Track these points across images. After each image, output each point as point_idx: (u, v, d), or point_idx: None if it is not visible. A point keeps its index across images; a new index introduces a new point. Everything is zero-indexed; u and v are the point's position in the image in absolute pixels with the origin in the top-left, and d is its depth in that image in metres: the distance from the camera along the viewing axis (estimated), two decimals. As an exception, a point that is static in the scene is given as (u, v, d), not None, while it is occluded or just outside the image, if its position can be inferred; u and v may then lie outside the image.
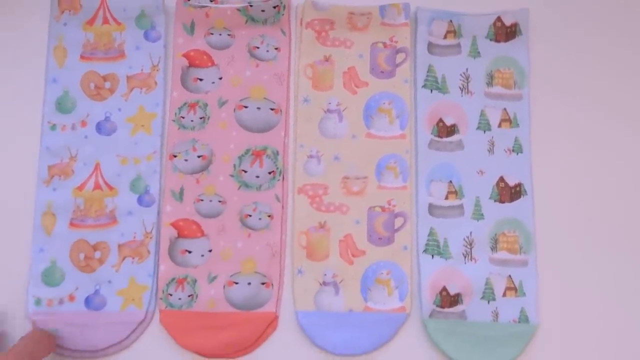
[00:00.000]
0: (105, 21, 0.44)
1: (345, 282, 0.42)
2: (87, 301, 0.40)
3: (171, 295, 0.41)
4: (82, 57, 0.44)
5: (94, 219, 0.42)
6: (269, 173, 0.43)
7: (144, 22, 0.45)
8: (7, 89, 0.44)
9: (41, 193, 0.42)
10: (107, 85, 0.44)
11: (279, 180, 0.43)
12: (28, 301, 0.40)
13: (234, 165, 0.43)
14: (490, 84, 0.45)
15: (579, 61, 0.45)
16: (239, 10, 0.44)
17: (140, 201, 0.42)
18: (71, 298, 0.41)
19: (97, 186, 0.42)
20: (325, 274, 0.42)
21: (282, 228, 0.42)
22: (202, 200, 0.42)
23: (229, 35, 0.45)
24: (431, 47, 0.46)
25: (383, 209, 0.43)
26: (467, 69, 0.45)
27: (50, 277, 0.41)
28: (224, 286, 0.41)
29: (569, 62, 0.45)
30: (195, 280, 0.41)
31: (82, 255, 0.41)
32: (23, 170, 0.42)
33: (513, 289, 0.42)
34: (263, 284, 0.41)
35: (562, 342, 0.41)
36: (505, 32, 0.46)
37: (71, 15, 0.44)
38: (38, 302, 0.40)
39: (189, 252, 0.41)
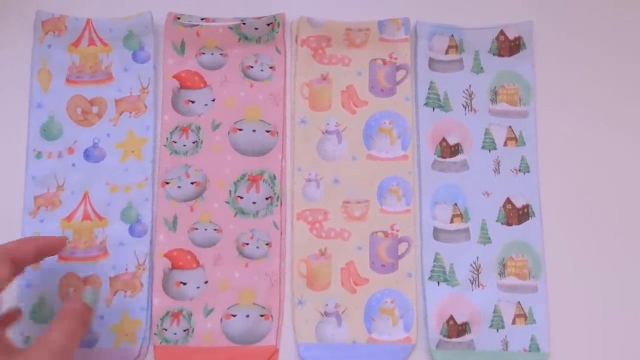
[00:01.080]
0: (92, 42, 0.43)
1: (348, 312, 0.41)
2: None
3: (166, 330, 0.40)
4: (67, 80, 0.43)
5: (84, 251, 0.40)
6: (266, 199, 0.42)
7: (132, 43, 0.43)
8: None
9: (28, 225, 0.40)
10: (95, 109, 0.43)
11: (276, 206, 0.42)
12: (15, 341, 0.39)
13: (230, 192, 0.42)
14: (494, 100, 0.44)
15: (586, 75, 0.44)
16: (231, 28, 0.43)
17: (131, 231, 0.41)
18: None
19: (86, 216, 0.41)
20: (327, 304, 0.41)
21: (281, 256, 0.41)
22: (196, 229, 0.41)
23: (221, 54, 0.43)
24: (432, 62, 0.45)
25: (386, 234, 0.42)
26: (470, 86, 0.44)
27: (38, 315, 0.39)
28: (221, 319, 0.40)
29: (576, 76, 0.44)
30: (191, 314, 0.40)
31: (71, 290, 0.40)
32: (7, 202, 0.41)
33: (523, 316, 0.41)
34: (262, 315, 0.40)
35: (575, 372, 0.41)
36: (508, 46, 0.45)
37: (56, 37, 0.43)
38: (27, 340, 0.39)
39: (184, 284, 0.40)
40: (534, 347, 0.40)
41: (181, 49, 0.44)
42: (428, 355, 0.40)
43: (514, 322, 0.41)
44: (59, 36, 0.43)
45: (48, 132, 0.42)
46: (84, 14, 0.44)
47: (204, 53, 0.44)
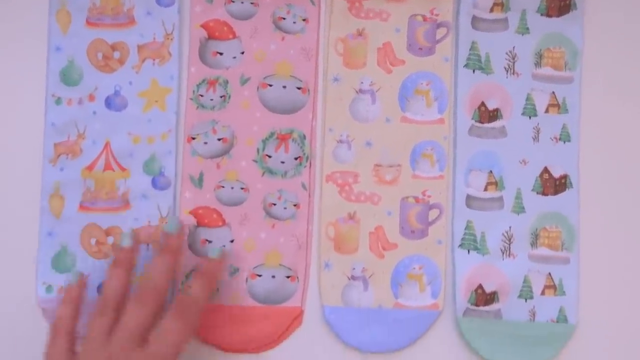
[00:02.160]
0: None
1: (375, 277, 0.41)
2: (100, 288, 0.39)
3: (190, 287, 0.41)
4: (88, 22, 0.41)
5: (106, 202, 0.40)
6: (295, 159, 0.41)
7: (156, -16, 0.42)
8: (6, 59, 0.41)
9: (48, 173, 0.40)
10: (116, 55, 0.41)
11: (305, 166, 0.41)
12: (37, 288, 0.39)
13: (258, 150, 0.41)
14: (538, 64, 0.43)
15: (638, 42, 0.43)
16: None
17: (154, 184, 0.40)
18: (83, 285, 0.40)
19: (107, 166, 0.40)
20: (354, 268, 0.41)
21: (308, 218, 0.41)
22: (223, 186, 0.40)
23: (251, 3, 0.41)
24: (475, 21, 0.43)
25: (417, 199, 0.42)
26: (514, 47, 0.42)
27: (60, 263, 0.39)
28: (246, 279, 0.40)
29: (627, 43, 0.42)
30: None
31: (93, 240, 0.40)
32: (27, 149, 0.40)
33: (552, 287, 0.41)
34: (288, 277, 0.40)
35: (602, 345, 0.40)
36: (558, 5, 0.43)
37: None
38: (49, 289, 0.39)
39: (209, 242, 0.40)
40: (561, 318, 0.41)
41: (209, -5, 0.42)
42: (454, 322, 0.41)
43: (543, 293, 0.41)
44: (78, -26, 0.42)
45: (68, 77, 0.41)
46: (105, -49, 0.42)
47: (233, 1, 0.42)
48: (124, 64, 0.41)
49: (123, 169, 0.41)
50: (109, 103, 0.41)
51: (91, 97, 0.41)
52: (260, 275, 0.40)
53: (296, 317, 0.40)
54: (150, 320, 0.34)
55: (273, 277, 0.41)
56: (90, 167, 0.41)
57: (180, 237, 0.37)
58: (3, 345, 0.40)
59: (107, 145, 0.41)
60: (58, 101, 0.41)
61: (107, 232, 0.40)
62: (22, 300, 0.40)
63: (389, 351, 0.40)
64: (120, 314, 0.34)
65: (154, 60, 0.41)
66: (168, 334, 0.33)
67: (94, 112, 0.41)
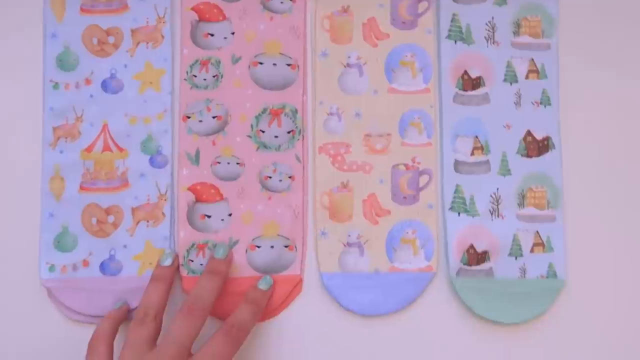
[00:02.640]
0: None
1: (370, 243, 0.42)
2: (103, 266, 0.40)
3: (192, 261, 0.40)
4: (82, 9, 0.42)
5: (105, 182, 0.41)
6: (288, 132, 0.42)
7: (146, -30, 0.44)
8: (3, 47, 0.42)
9: (48, 156, 0.41)
10: (111, 40, 0.42)
11: (298, 139, 0.42)
12: (40, 268, 0.40)
13: (251, 126, 0.42)
14: (517, 33, 0.44)
15: (611, 10, 0.44)
16: None
17: (152, 162, 0.41)
18: (85, 264, 0.40)
19: (106, 147, 0.41)
20: (350, 235, 0.42)
21: (303, 189, 0.42)
22: (219, 162, 0.41)
23: None
24: (455, -6, 0.46)
25: (407, 166, 0.43)
26: (492, 18, 0.44)
27: (62, 243, 0.40)
28: (246, 250, 0.41)
29: (601, 9, 0.44)
30: (216, 245, 0.42)
31: (94, 220, 0.41)
32: (26, 133, 0.41)
33: (541, 244, 0.42)
34: (286, 246, 0.41)
35: (590, 298, 0.41)
36: None
37: None
38: (52, 268, 0.40)
39: (208, 216, 0.41)
40: (551, 274, 0.43)
41: (198, -22, 0.44)
42: (448, 282, 0.42)
43: (532, 250, 0.43)
44: (70, -37, 0.43)
45: (64, 62, 0.42)
46: (96, -60, 0.43)
47: (221, -17, 0.44)
48: (119, 48, 0.43)
49: (121, 150, 0.42)
50: (105, 86, 0.42)
51: (88, 81, 0.42)
52: (259, 247, 0.42)
53: (296, 285, 0.42)
54: (195, 334, 0.35)
55: (272, 247, 0.42)
56: (89, 149, 0.42)
57: (228, 262, 0.39)
58: (9, 325, 0.41)
59: (104, 127, 0.42)
60: (56, 86, 0.42)
61: (108, 211, 0.41)
62: (27, 280, 0.41)
63: (387, 313, 0.42)
64: (160, 326, 0.36)
65: (147, 43, 0.43)
66: (215, 351, 0.34)
67: (91, 96, 0.42)
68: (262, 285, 0.38)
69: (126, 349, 0.34)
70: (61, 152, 0.42)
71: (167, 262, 0.38)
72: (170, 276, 0.38)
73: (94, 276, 0.41)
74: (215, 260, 0.38)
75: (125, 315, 0.38)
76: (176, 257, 0.39)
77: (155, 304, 0.36)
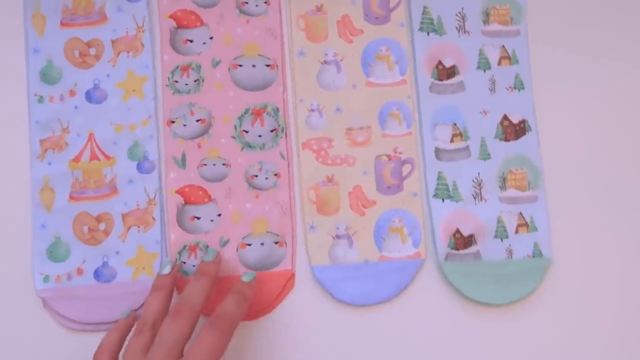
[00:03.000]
0: None
1: (359, 234, 0.42)
2: (97, 274, 0.40)
3: (184, 263, 0.41)
4: (62, 23, 0.43)
5: (94, 190, 0.41)
6: (271, 131, 0.43)
7: (123, -18, 0.45)
8: None
9: (36, 168, 0.41)
10: (92, 51, 0.43)
11: (282, 137, 0.43)
12: (34, 279, 0.40)
13: (235, 126, 0.43)
14: (486, 21, 0.45)
15: None
16: None
17: (139, 168, 0.42)
18: (79, 272, 0.40)
19: (93, 156, 0.42)
20: (338, 228, 0.42)
21: (290, 185, 0.42)
22: (205, 164, 0.42)
23: None
24: (424, -12, 0.47)
25: (389, 157, 0.44)
26: (462, 8, 0.45)
27: (55, 253, 0.40)
28: (237, 249, 0.41)
29: None
30: (207, 246, 0.41)
31: (85, 228, 0.41)
32: (14, 147, 0.42)
33: (525, 225, 0.43)
34: (276, 243, 0.42)
35: (577, 274, 0.42)
36: None
37: None
38: (46, 279, 0.40)
39: (198, 218, 0.42)
40: (537, 253, 0.43)
41: (174, -13, 0.45)
42: (437, 268, 0.43)
43: (516, 231, 0.43)
44: (48, -21, 0.44)
45: (48, 76, 0.43)
46: (72, -44, 0.44)
47: (197, -9, 0.45)
48: (100, 59, 0.43)
49: (108, 158, 0.43)
50: (89, 97, 0.43)
51: (72, 93, 0.43)
52: (249, 244, 0.42)
53: (288, 280, 0.42)
54: (186, 335, 0.34)
55: (262, 244, 0.42)
56: (76, 159, 0.42)
57: (216, 263, 0.39)
58: (5, 336, 0.41)
59: (91, 136, 0.43)
60: (40, 100, 0.43)
61: (98, 219, 0.42)
62: (22, 292, 0.41)
63: (379, 302, 0.42)
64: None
65: (128, 52, 0.44)
66: (203, 345, 0.33)
67: (76, 107, 0.43)
68: (245, 278, 0.38)
69: (125, 358, 0.34)
70: (49, 163, 0.42)
71: (167, 269, 0.38)
72: (170, 284, 0.38)
73: (88, 284, 0.41)
74: (204, 263, 0.38)
75: (133, 325, 0.38)
76: (175, 265, 0.39)
77: (155, 313, 0.36)
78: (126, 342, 0.36)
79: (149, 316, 0.36)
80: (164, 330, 0.34)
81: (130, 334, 0.37)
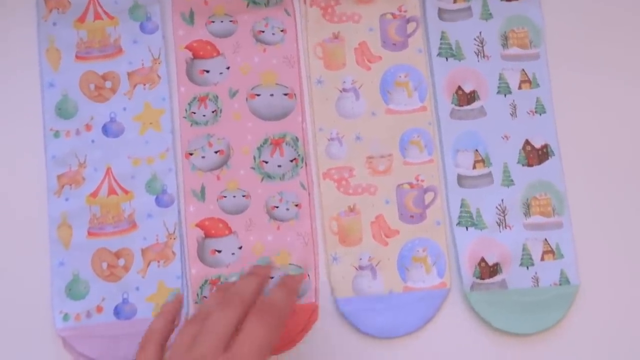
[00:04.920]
0: (97, 16, 0.42)
1: (382, 264, 0.41)
2: (117, 311, 0.39)
3: (206, 297, 0.40)
4: (77, 57, 0.41)
5: (113, 226, 0.40)
6: (291, 161, 0.42)
7: (138, 14, 0.42)
8: (2, 98, 0.41)
9: (53, 205, 0.40)
10: (108, 84, 0.41)
11: (302, 167, 0.41)
12: (54, 317, 0.38)
13: (254, 157, 0.41)
14: (505, 45, 0.44)
15: (595, 13, 0.44)
16: None
17: (158, 202, 0.40)
18: (99, 309, 0.39)
19: (111, 191, 0.40)
20: (361, 258, 0.41)
21: (311, 216, 0.41)
22: (225, 197, 0.41)
23: (231, 21, 0.42)
24: (441, 12, 0.44)
25: (411, 185, 0.42)
26: (480, 33, 0.44)
27: (74, 291, 0.39)
28: (258, 282, 0.41)
29: (584, 14, 0.44)
30: (228, 280, 0.41)
31: (104, 265, 0.39)
32: (31, 183, 0.40)
33: (550, 252, 0.42)
34: (299, 275, 0.40)
35: (605, 302, 0.41)
36: None
37: (60, 14, 0.41)
38: (66, 317, 0.38)
39: (219, 251, 0.40)
40: (564, 280, 0.42)
41: (190, 18, 0.43)
42: (463, 298, 0.41)
43: (542, 258, 0.42)
44: (63, 13, 0.42)
45: (63, 110, 0.41)
46: (87, -12, 0.43)
47: (213, 21, 0.43)
48: (117, 92, 0.42)
49: (126, 192, 0.41)
50: (106, 130, 0.41)
51: (88, 127, 0.41)
52: (272, 277, 0.41)
53: (312, 312, 0.40)
54: (233, 326, 0.31)
55: (284, 277, 0.41)
56: (94, 194, 0.41)
57: (269, 267, 0.37)
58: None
59: (108, 170, 0.41)
60: (56, 134, 0.41)
61: (117, 255, 0.40)
62: (41, 331, 0.39)
63: (405, 334, 0.40)
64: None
65: (144, 84, 0.42)
66: (251, 336, 0.31)
67: (93, 141, 0.41)
68: (292, 271, 0.37)
69: (173, 348, 0.32)
70: (67, 199, 0.41)
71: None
72: (176, 311, 0.35)
73: (108, 321, 0.39)
74: (257, 266, 0.37)
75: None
76: (178, 296, 0.37)
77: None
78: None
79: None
80: (212, 319, 0.32)
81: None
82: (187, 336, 0.32)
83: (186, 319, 0.34)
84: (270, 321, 0.32)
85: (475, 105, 0.44)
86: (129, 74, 0.42)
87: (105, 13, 0.42)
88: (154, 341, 0.33)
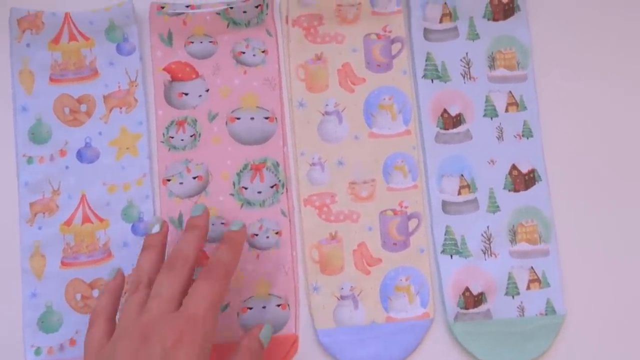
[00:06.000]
0: (72, 38, 0.40)
1: (364, 294, 0.39)
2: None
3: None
4: (51, 79, 0.40)
5: (87, 255, 0.38)
6: (272, 187, 0.40)
7: (114, 35, 0.41)
8: None
9: (26, 233, 0.38)
10: (83, 108, 0.40)
11: (282, 193, 0.40)
12: (25, 352, 0.37)
13: (234, 183, 0.40)
14: (492, 66, 0.42)
15: (582, 32, 0.42)
16: (218, 14, 0.40)
17: (134, 230, 0.39)
18: (72, 343, 0.37)
19: (86, 219, 0.39)
20: (342, 288, 0.39)
21: (292, 244, 0.39)
22: None
23: (210, 42, 0.41)
24: (427, 33, 0.42)
25: (395, 212, 0.41)
26: (467, 53, 0.42)
27: (47, 323, 0.37)
28: (237, 314, 0.38)
29: (571, 35, 0.42)
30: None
31: (78, 296, 0.38)
32: (2, 211, 0.38)
33: (536, 280, 0.40)
34: (279, 305, 0.38)
35: (592, 332, 0.39)
36: (502, 9, 0.43)
37: (34, 35, 0.39)
38: (38, 351, 0.37)
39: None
40: (550, 310, 0.40)
41: (168, 39, 0.41)
42: (447, 328, 0.40)
43: (528, 287, 0.40)
44: (37, 34, 0.40)
45: (37, 135, 0.39)
46: (60, 8, 0.41)
47: (192, 42, 0.41)
48: (92, 116, 0.40)
49: (101, 220, 0.39)
50: (80, 156, 0.40)
51: (62, 152, 0.40)
52: (251, 308, 0.39)
53: (292, 344, 0.39)
54: (181, 288, 0.32)
55: (264, 307, 0.39)
56: (68, 222, 0.39)
57: (205, 217, 0.36)
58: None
59: (83, 198, 0.39)
60: (29, 160, 0.39)
61: (92, 286, 0.39)
62: (12, 365, 0.38)
63: (387, 365, 0.39)
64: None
65: (121, 108, 0.40)
66: (199, 294, 0.32)
67: (67, 167, 0.40)
68: (234, 227, 0.36)
69: (122, 317, 0.32)
70: (39, 228, 0.39)
71: (156, 229, 0.36)
72: (161, 242, 0.36)
73: (82, 355, 0.38)
74: (193, 217, 0.36)
75: (123, 284, 0.36)
76: (164, 223, 0.36)
77: (148, 270, 0.34)
78: (121, 304, 0.34)
79: (143, 274, 0.34)
80: (159, 284, 0.32)
81: (124, 297, 0.35)
82: (134, 305, 0.32)
83: (127, 290, 0.34)
84: (217, 279, 0.32)
85: (461, 128, 0.42)
86: (104, 97, 0.40)
87: (81, 34, 0.40)
88: (103, 316, 0.33)
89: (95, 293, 0.39)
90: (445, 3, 0.43)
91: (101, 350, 0.32)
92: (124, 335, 0.31)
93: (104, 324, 0.33)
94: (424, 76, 0.42)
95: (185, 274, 0.33)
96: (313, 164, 0.41)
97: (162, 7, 0.41)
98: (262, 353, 0.35)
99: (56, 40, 0.40)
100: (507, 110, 0.42)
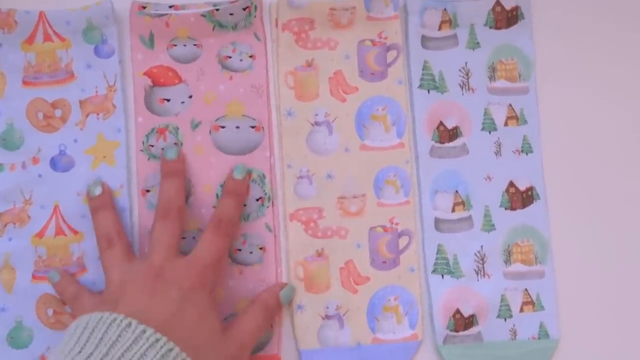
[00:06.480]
0: (47, 38, 0.37)
1: (350, 314, 0.37)
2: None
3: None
4: (24, 82, 0.37)
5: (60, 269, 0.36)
6: (257, 200, 0.38)
7: (92, 36, 0.38)
8: None
9: (-5, 245, 0.36)
10: (58, 113, 0.37)
11: (268, 207, 0.38)
12: None
13: (217, 195, 0.37)
14: (492, 77, 0.40)
15: (588, 45, 0.40)
16: (203, 15, 0.38)
17: (112, 243, 0.38)
18: (43, 359, 0.36)
19: (59, 231, 0.36)
20: (328, 307, 0.37)
21: (276, 260, 0.37)
22: (184, 237, 0.36)
23: (195, 45, 0.38)
24: (425, 40, 0.40)
25: (385, 229, 0.39)
26: (466, 63, 0.40)
27: (16, 339, 0.35)
28: (217, 332, 0.38)
29: (577, 47, 0.40)
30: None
31: (50, 311, 0.36)
32: (-30, 223, 0.37)
33: (530, 303, 0.38)
34: (260, 325, 0.38)
35: (586, 357, 0.38)
36: (505, 17, 0.41)
37: (5, 34, 0.37)
38: (7, 368, 0.37)
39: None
40: (543, 334, 0.38)
41: (150, 42, 0.39)
42: (435, 351, 0.38)
43: (521, 310, 0.38)
44: (9, 33, 0.38)
45: (8, 141, 0.37)
46: (35, 6, 0.38)
47: (175, 45, 0.39)
48: (67, 122, 0.38)
49: (75, 232, 0.37)
50: (54, 164, 0.37)
51: (35, 160, 0.37)
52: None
53: (274, 365, 0.37)
54: (177, 235, 0.34)
55: (245, 326, 0.37)
56: (40, 234, 0.37)
57: (182, 161, 0.36)
58: None
59: (56, 208, 0.37)
60: (0, 168, 0.37)
61: (64, 301, 0.37)
62: (-19, 383, 0.36)
63: (373, 388, 0.37)
64: (129, 243, 0.35)
65: (98, 114, 0.38)
66: (211, 245, 0.34)
67: (39, 175, 0.37)
68: (237, 174, 0.36)
69: (109, 273, 0.33)
70: (10, 239, 0.37)
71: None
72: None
73: (53, 373, 0.36)
74: (169, 163, 0.36)
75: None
76: (105, 185, 0.36)
77: (112, 228, 0.35)
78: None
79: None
80: (155, 232, 0.34)
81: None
82: (116, 259, 0.34)
83: (156, 217, 0.35)
84: (222, 231, 0.34)
85: (458, 142, 0.40)
86: (81, 102, 0.38)
87: (56, 34, 0.38)
88: (116, 237, 0.35)
89: (68, 309, 0.36)
90: (445, 9, 0.40)
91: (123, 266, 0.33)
92: (137, 277, 0.32)
93: (120, 243, 0.35)
94: (420, 86, 0.40)
95: (179, 223, 0.34)
96: (300, 177, 0.39)
97: (144, 7, 0.38)
98: (278, 312, 0.36)
99: (30, 40, 0.38)
100: (506, 124, 0.40)
